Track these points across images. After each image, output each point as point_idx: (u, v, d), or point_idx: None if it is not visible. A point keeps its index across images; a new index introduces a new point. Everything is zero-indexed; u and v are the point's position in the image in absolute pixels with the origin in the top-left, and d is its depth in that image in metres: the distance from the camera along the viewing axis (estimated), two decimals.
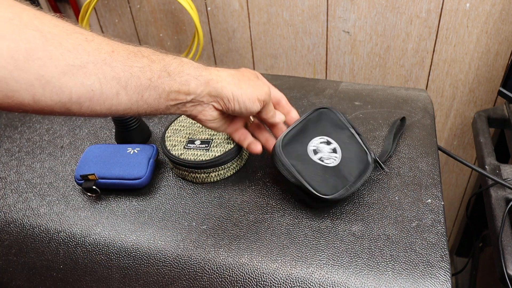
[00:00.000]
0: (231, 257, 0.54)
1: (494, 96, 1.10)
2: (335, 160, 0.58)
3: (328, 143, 0.60)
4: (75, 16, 1.36)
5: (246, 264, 0.53)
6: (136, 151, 0.65)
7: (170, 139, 0.66)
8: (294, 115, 0.62)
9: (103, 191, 0.64)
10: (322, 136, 0.61)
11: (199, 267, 0.54)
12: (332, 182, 0.56)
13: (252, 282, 0.52)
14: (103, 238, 0.58)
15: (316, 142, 0.60)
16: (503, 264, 0.69)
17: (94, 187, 0.62)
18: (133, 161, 0.64)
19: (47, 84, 0.37)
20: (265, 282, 0.52)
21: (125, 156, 0.65)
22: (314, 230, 0.56)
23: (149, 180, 0.64)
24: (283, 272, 0.52)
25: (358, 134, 0.62)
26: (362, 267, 0.51)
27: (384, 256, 0.52)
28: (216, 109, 0.53)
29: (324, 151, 0.59)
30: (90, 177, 0.62)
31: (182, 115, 0.71)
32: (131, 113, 0.46)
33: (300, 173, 0.56)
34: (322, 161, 0.58)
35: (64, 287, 0.59)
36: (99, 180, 0.62)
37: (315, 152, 0.59)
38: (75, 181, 0.64)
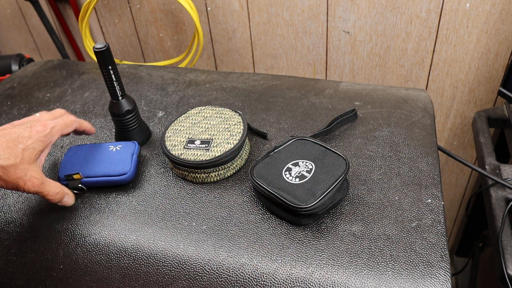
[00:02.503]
0: (231, 257, 0.54)
1: (494, 96, 1.10)
2: (307, 176, 0.58)
3: (300, 164, 0.60)
4: (75, 16, 1.36)
5: (246, 264, 0.53)
6: (118, 148, 0.66)
7: (170, 139, 0.66)
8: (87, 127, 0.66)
9: (103, 191, 0.64)
10: (295, 160, 0.61)
11: (199, 267, 0.54)
12: (304, 195, 0.55)
13: (252, 282, 0.52)
14: (103, 238, 0.58)
15: (289, 166, 0.60)
16: (503, 264, 0.69)
17: (80, 185, 0.63)
18: (116, 158, 0.65)
19: None
20: (265, 282, 0.52)
21: (108, 153, 0.65)
22: (314, 230, 0.56)
23: (134, 176, 0.65)
24: (283, 272, 0.52)
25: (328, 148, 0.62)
26: (362, 267, 0.51)
27: (384, 256, 0.52)
28: None
29: (296, 170, 0.60)
30: (75, 176, 0.62)
31: (183, 115, 0.71)
32: None
33: (275, 189, 0.57)
34: (295, 178, 0.58)
35: (64, 287, 0.59)
36: (84, 179, 0.63)
37: (289, 173, 0.59)
38: (59, 182, 0.64)
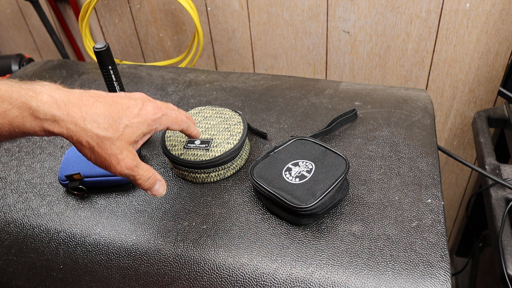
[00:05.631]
0: (231, 257, 0.54)
1: (494, 96, 1.10)
2: (307, 176, 0.58)
3: (300, 164, 0.60)
4: (75, 16, 1.36)
5: (246, 264, 0.53)
6: None
7: (170, 139, 0.66)
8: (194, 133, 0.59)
9: (103, 191, 0.64)
10: (295, 160, 0.61)
11: (199, 267, 0.54)
12: (304, 195, 0.56)
13: (252, 282, 0.52)
14: (103, 238, 0.58)
15: (289, 165, 0.60)
16: (503, 264, 0.69)
17: (80, 186, 0.63)
18: None
19: None
20: (265, 282, 0.52)
21: None
22: (314, 230, 0.56)
23: None
24: (283, 272, 0.52)
25: (329, 148, 0.62)
26: (362, 267, 0.51)
27: (384, 256, 0.52)
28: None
29: (296, 170, 0.60)
30: (75, 176, 0.62)
31: None
32: None
33: (275, 189, 0.57)
34: (295, 178, 0.58)
35: (64, 287, 0.59)
36: (85, 179, 0.63)
37: (289, 173, 0.59)
38: (59, 182, 0.64)
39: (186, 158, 0.62)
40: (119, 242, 0.58)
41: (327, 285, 0.50)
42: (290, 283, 0.51)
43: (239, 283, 0.52)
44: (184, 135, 0.66)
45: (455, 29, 1.02)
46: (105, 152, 0.46)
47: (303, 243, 0.54)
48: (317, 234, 0.55)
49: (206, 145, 0.64)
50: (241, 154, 0.66)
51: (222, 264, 0.54)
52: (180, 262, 0.55)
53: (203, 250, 0.55)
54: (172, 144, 0.65)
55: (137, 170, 0.48)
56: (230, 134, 0.65)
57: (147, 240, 0.57)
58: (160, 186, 0.52)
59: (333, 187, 0.56)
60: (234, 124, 0.67)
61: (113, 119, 0.46)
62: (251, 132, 0.73)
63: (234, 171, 0.66)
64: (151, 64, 1.08)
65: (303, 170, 0.59)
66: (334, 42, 1.14)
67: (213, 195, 0.62)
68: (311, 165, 0.60)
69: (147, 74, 0.94)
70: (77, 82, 0.93)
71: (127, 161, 0.47)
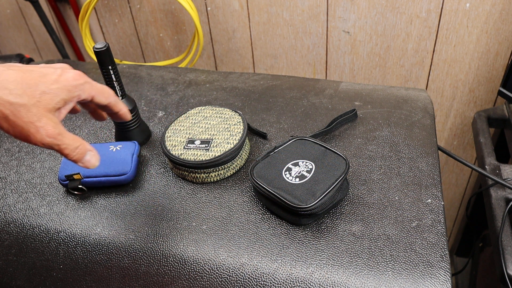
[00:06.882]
0: (231, 257, 0.54)
1: (494, 96, 1.10)
2: (307, 176, 0.58)
3: (300, 164, 0.60)
4: (75, 16, 1.36)
5: (246, 264, 0.53)
6: (118, 148, 0.66)
7: (170, 139, 0.66)
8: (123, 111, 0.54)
9: (103, 191, 0.64)
10: (295, 160, 0.61)
11: (199, 267, 0.54)
12: (304, 195, 0.56)
13: (252, 282, 0.52)
14: (103, 238, 0.58)
15: (289, 165, 0.60)
16: (503, 264, 0.69)
17: (80, 186, 0.63)
18: (117, 157, 0.65)
19: None
20: (265, 282, 0.52)
21: (109, 153, 0.66)
22: (314, 230, 0.56)
23: (134, 175, 0.65)
24: (283, 272, 0.52)
25: (329, 148, 0.62)
26: (362, 267, 0.51)
27: (384, 256, 0.52)
28: None
29: (296, 170, 0.59)
30: (75, 176, 0.62)
31: (183, 115, 0.71)
32: None
33: (275, 189, 0.57)
34: (295, 178, 0.58)
35: (64, 287, 0.59)
36: (85, 179, 0.63)
37: (289, 173, 0.59)
38: (59, 182, 0.64)
39: (186, 158, 0.62)
40: (119, 242, 0.58)
41: (327, 285, 0.50)
42: (290, 283, 0.51)
43: (239, 283, 0.52)
44: (183, 135, 0.66)
45: (455, 29, 1.02)
46: (21, 120, 0.42)
47: (303, 243, 0.54)
48: (317, 234, 0.55)
49: (206, 145, 0.64)
50: (241, 154, 0.66)
51: (222, 264, 0.54)
52: (180, 262, 0.55)
53: (203, 250, 0.55)
54: (172, 144, 0.65)
55: (61, 139, 0.45)
56: (230, 134, 0.65)
57: (147, 240, 0.57)
58: (92, 157, 0.48)
59: (333, 187, 0.56)
60: (234, 124, 0.67)
61: (27, 85, 0.43)
62: (251, 132, 0.73)
63: (234, 171, 0.66)
64: (151, 64, 1.08)
65: (303, 170, 0.59)
66: (334, 42, 1.14)
67: (213, 195, 0.62)
68: (311, 165, 0.60)
69: (147, 74, 0.94)
70: None
71: (47, 128, 0.43)
